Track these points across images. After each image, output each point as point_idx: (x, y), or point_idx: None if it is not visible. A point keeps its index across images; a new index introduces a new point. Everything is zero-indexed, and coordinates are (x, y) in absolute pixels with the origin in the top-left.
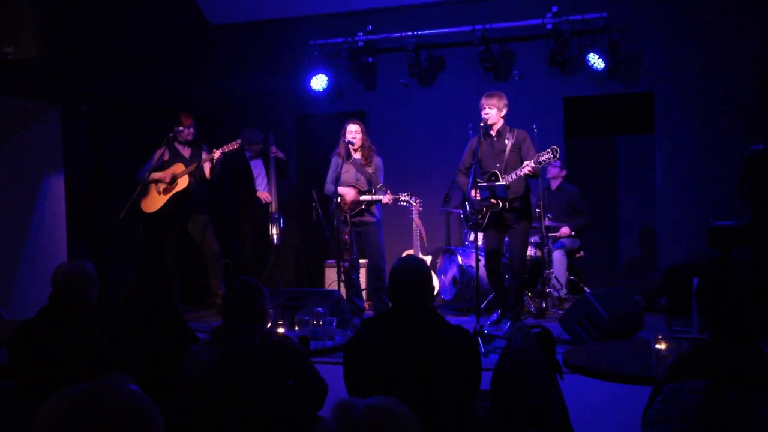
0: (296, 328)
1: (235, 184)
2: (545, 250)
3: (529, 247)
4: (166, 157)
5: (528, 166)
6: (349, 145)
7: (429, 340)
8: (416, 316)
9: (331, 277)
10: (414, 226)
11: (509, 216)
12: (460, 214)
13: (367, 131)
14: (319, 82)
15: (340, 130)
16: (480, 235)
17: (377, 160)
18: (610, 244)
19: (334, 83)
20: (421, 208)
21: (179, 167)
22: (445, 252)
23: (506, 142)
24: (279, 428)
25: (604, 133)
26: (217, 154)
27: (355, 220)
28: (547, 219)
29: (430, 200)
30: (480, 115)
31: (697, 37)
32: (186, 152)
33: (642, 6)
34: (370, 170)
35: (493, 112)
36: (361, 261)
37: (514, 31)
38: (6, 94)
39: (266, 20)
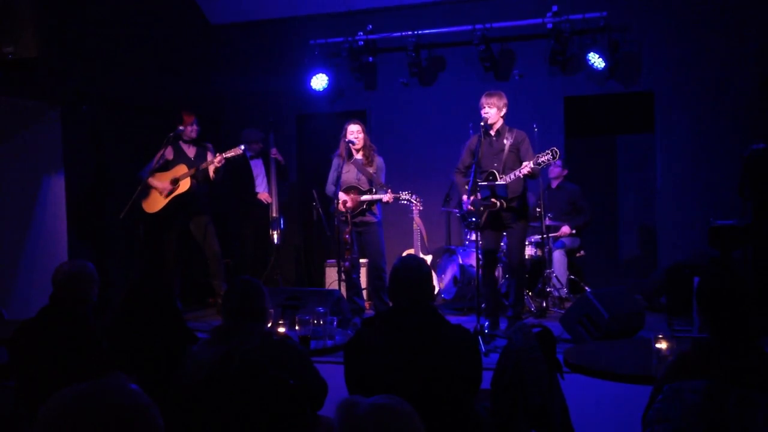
0: (297, 327)
1: (235, 184)
2: (546, 250)
3: (530, 247)
4: (170, 157)
5: (527, 167)
6: (351, 145)
7: (429, 340)
8: (417, 315)
9: (332, 277)
10: (414, 225)
11: (507, 215)
12: (457, 213)
13: (367, 131)
14: (319, 82)
15: (341, 131)
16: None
17: (379, 160)
18: (610, 243)
19: (334, 83)
20: (421, 208)
21: (182, 169)
22: (445, 251)
23: (505, 141)
24: (279, 428)
25: (604, 133)
26: (219, 158)
27: (356, 220)
28: (547, 218)
29: (430, 200)
30: (480, 114)
31: (698, 36)
32: (191, 152)
33: (642, 5)
34: (371, 170)
35: (493, 112)
36: (361, 260)
37: (515, 31)
38: (6, 94)
39: (266, 20)
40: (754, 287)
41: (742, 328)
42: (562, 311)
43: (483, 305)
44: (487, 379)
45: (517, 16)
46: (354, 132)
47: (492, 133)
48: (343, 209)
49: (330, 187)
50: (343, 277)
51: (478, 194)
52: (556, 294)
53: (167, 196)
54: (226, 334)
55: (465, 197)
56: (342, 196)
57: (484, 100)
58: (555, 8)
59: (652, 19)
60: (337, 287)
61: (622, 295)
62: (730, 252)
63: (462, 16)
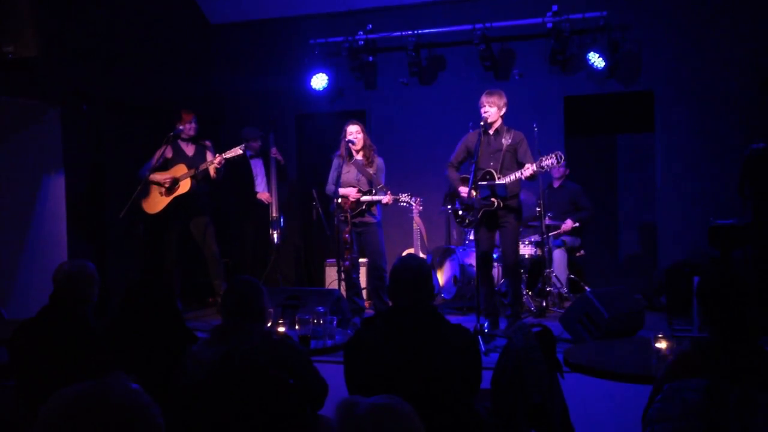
0: (297, 327)
1: (235, 184)
2: (546, 249)
3: (530, 246)
4: (169, 155)
5: (530, 169)
6: (350, 145)
7: (429, 339)
8: (416, 315)
9: (332, 276)
10: (414, 225)
11: (501, 214)
12: (449, 209)
13: (367, 130)
14: (319, 81)
15: (341, 131)
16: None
17: (379, 161)
18: (610, 242)
19: (334, 82)
20: (421, 208)
21: (181, 168)
22: (445, 251)
23: (503, 141)
24: (279, 427)
25: (604, 132)
26: (218, 159)
27: (356, 220)
28: (547, 218)
29: (430, 199)
30: (480, 113)
31: (698, 35)
32: (189, 150)
33: (642, 5)
34: (371, 171)
35: (493, 111)
36: (361, 260)
37: (515, 30)
38: (6, 93)
39: (266, 19)
40: (754, 286)
41: (743, 327)
42: (562, 311)
43: (482, 306)
44: (487, 379)
45: (517, 15)
46: (353, 132)
47: (491, 132)
48: (343, 204)
49: (330, 187)
50: (343, 276)
51: (478, 193)
52: (556, 293)
53: (168, 195)
54: (226, 334)
55: (464, 188)
56: (342, 191)
57: (484, 98)
58: (555, 8)
59: (652, 18)
60: (337, 287)
61: (622, 295)
62: (730, 251)
63: (462, 16)
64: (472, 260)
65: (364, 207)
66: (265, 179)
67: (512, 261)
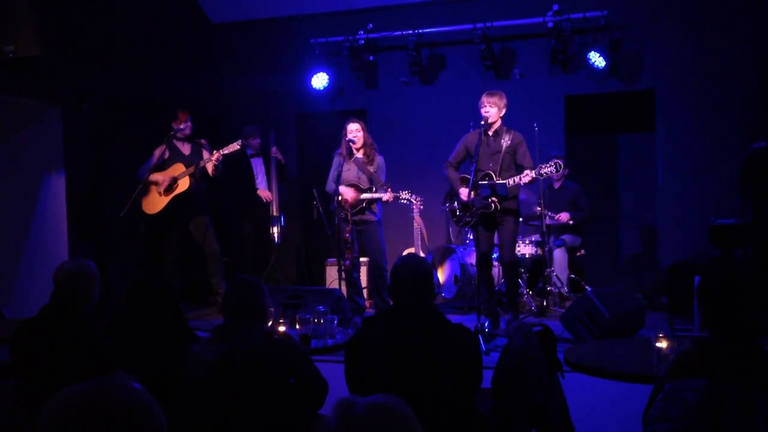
0: (297, 326)
1: (235, 183)
2: (546, 249)
3: (530, 245)
4: (166, 156)
5: (529, 176)
6: (351, 144)
7: (430, 339)
8: (417, 314)
9: (332, 276)
10: (415, 224)
11: (499, 214)
12: (447, 208)
13: (367, 129)
14: (319, 81)
15: (341, 130)
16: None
17: (379, 159)
18: (611, 242)
19: (334, 82)
20: (421, 207)
21: (179, 168)
22: (446, 250)
23: (502, 143)
24: (280, 426)
25: (605, 132)
26: (216, 155)
27: (356, 218)
28: (548, 217)
29: (430, 199)
30: (480, 113)
31: (698, 34)
32: (186, 149)
33: (643, 4)
34: (371, 169)
35: (494, 111)
36: (362, 259)
37: (515, 30)
38: (7, 93)
39: (267, 19)
40: (754, 286)
41: (743, 327)
42: (563, 310)
43: (482, 306)
44: (487, 378)
45: (517, 14)
46: (353, 131)
47: (490, 132)
48: (343, 203)
49: (330, 185)
50: (344, 275)
51: (478, 193)
52: (557, 292)
53: (167, 194)
54: (227, 333)
55: (464, 189)
56: (342, 189)
57: (485, 99)
58: (556, 7)
59: (653, 17)
60: (337, 286)
61: (623, 294)
62: (730, 251)
63: (463, 15)
64: (472, 259)
65: (364, 205)
66: (265, 178)
67: (509, 260)
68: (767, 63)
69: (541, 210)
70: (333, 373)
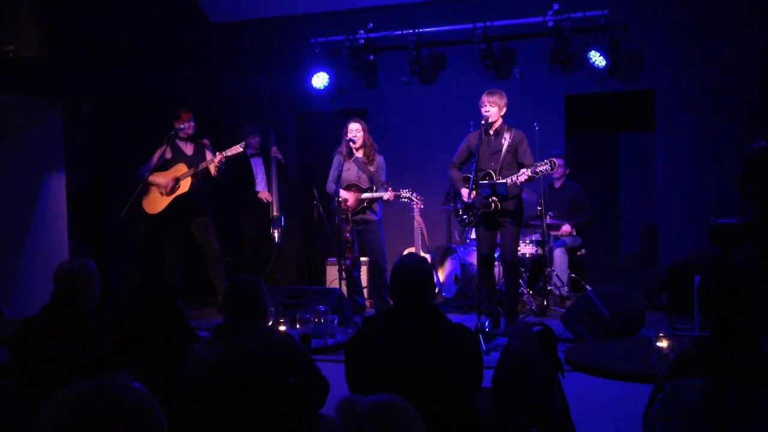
0: (298, 325)
1: (235, 183)
2: (546, 248)
3: (531, 245)
4: (168, 156)
5: (525, 174)
6: (351, 143)
7: (430, 338)
8: (417, 314)
9: (333, 275)
10: (415, 224)
11: (500, 214)
12: (450, 207)
13: (368, 129)
14: (320, 80)
15: (342, 129)
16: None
17: (379, 159)
18: (611, 241)
19: (335, 81)
20: (422, 206)
21: (182, 168)
22: (446, 250)
23: (503, 142)
24: (280, 426)
25: (605, 131)
26: (219, 157)
27: (357, 218)
28: (548, 217)
29: (431, 198)
30: (480, 112)
31: (699, 34)
32: (188, 149)
33: (643, 4)
34: (372, 168)
35: (494, 110)
36: (362, 259)
37: (516, 29)
38: (7, 92)
39: (267, 18)
40: (755, 286)
41: (743, 326)
42: (563, 310)
43: (483, 305)
44: (488, 378)
45: (518, 14)
46: (353, 131)
47: (491, 132)
48: (344, 207)
49: (331, 185)
50: (344, 275)
51: (480, 192)
52: (557, 292)
53: (169, 194)
54: (228, 333)
55: (465, 190)
56: (343, 194)
57: (485, 98)
58: (556, 6)
59: (653, 17)
60: (338, 285)
61: (623, 294)
62: (731, 250)
63: (463, 15)
64: (473, 259)
65: (365, 204)
66: (265, 178)
67: (510, 261)
68: (767, 63)
69: (541, 210)
70: (333, 372)
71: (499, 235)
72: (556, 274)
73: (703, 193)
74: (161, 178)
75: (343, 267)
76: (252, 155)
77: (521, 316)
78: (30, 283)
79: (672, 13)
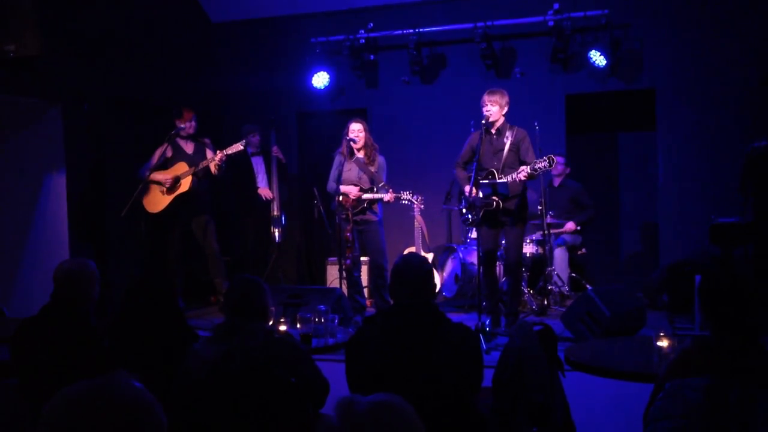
0: (298, 325)
1: (236, 182)
2: (547, 247)
3: (531, 244)
4: (169, 154)
5: (524, 172)
6: (352, 143)
7: (430, 338)
8: (418, 313)
9: (333, 275)
10: (415, 223)
11: (503, 213)
12: (456, 208)
13: (368, 129)
14: (320, 80)
15: (343, 129)
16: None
17: (380, 159)
18: (611, 241)
19: (335, 81)
20: (422, 206)
21: (182, 167)
22: (446, 249)
23: (505, 140)
24: (281, 426)
25: (605, 130)
26: (220, 155)
27: (357, 218)
28: (549, 216)
29: (431, 198)
30: (481, 112)
31: (699, 33)
32: (189, 148)
33: (644, 3)
34: (372, 169)
35: (495, 110)
36: (362, 258)
37: (516, 29)
38: (8, 92)
39: (267, 18)
40: (755, 285)
41: (744, 325)
42: (564, 309)
43: (484, 303)
44: (488, 377)
45: (518, 13)
46: (355, 131)
47: (493, 131)
48: (344, 202)
49: (331, 185)
50: (344, 275)
51: (480, 192)
52: (558, 291)
53: (169, 194)
54: (228, 333)
55: (468, 187)
56: (343, 188)
57: (486, 97)
58: (556, 6)
59: (654, 16)
60: (338, 285)
61: (624, 293)
62: (731, 250)
63: (463, 14)
64: (473, 258)
65: (365, 205)
66: (265, 177)
67: (514, 260)
68: (767, 62)
69: (541, 209)
70: (334, 372)
71: (502, 234)
72: (557, 274)
73: (704, 193)
74: (162, 176)
75: (344, 266)
76: (252, 154)
77: (521, 315)
78: (30, 283)
79: (672, 13)
